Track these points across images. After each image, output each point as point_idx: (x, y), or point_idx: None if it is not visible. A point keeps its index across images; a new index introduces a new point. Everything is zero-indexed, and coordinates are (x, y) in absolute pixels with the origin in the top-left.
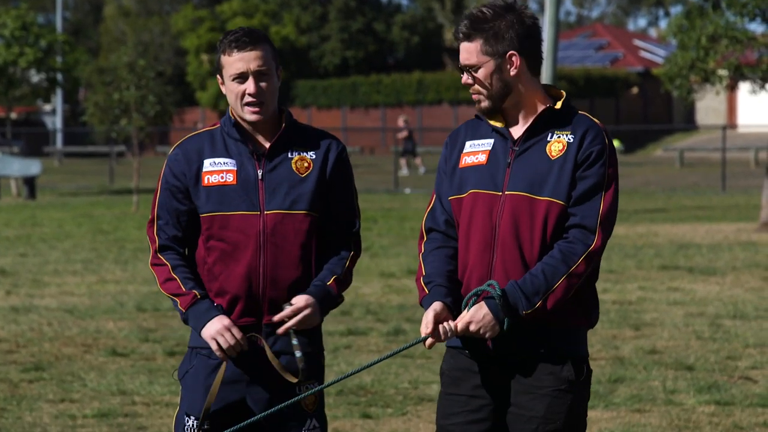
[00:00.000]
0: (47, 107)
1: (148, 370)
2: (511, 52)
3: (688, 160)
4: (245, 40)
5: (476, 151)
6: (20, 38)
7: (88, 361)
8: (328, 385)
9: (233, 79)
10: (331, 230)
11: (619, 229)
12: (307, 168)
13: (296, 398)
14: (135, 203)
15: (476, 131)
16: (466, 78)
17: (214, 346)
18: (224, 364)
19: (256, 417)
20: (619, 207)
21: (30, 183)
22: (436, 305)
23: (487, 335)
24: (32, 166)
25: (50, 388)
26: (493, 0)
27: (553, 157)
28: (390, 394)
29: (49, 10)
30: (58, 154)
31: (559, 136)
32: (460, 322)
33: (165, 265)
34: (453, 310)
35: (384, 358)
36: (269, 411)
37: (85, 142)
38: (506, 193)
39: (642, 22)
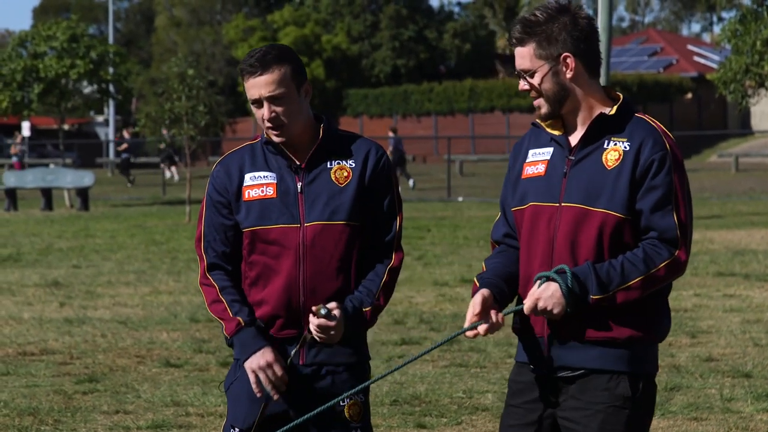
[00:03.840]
0: (100, 118)
1: (202, 381)
2: (565, 54)
3: (744, 166)
4: (256, 65)
5: (536, 161)
6: (71, 50)
7: (142, 372)
8: (359, 389)
9: (252, 104)
10: (371, 238)
11: None
12: (347, 177)
13: (331, 402)
14: (188, 213)
15: (538, 139)
16: (522, 84)
17: (252, 379)
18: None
19: (294, 422)
20: None
21: (83, 194)
22: (484, 291)
23: (555, 311)
24: (85, 178)
25: (104, 400)
26: (547, 2)
27: (609, 166)
28: (444, 404)
29: (101, 22)
30: (110, 165)
31: (615, 144)
32: (529, 299)
33: (213, 286)
34: (500, 303)
35: (429, 350)
36: (305, 416)
37: (138, 153)
38: (563, 204)
39: (696, 27)
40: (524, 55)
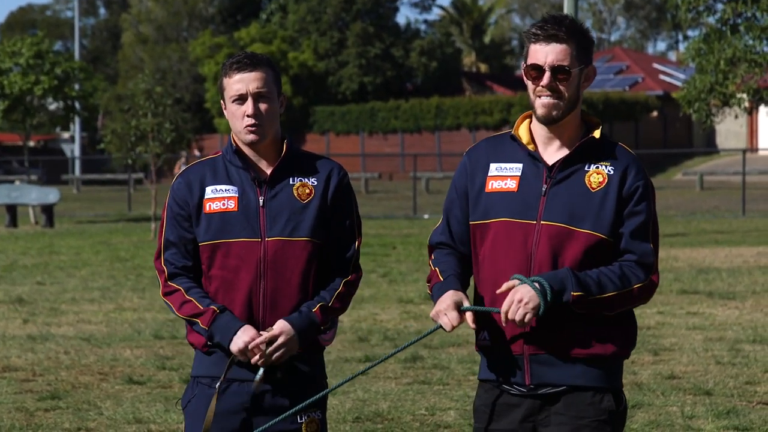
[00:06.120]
0: (65, 135)
1: (165, 398)
2: (591, 65)
3: (708, 184)
4: (246, 62)
5: (504, 176)
6: (36, 66)
7: (105, 389)
8: (318, 397)
9: (233, 101)
10: (330, 256)
11: None
12: (309, 194)
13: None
14: (153, 230)
15: (501, 153)
16: (548, 79)
17: (245, 359)
18: (215, 396)
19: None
20: None
21: (48, 211)
22: (453, 293)
23: (531, 305)
24: (50, 194)
25: (66, 417)
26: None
27: (593, 189)
28: (407, 421)
29: (68, 38)
30: (76, 182)
31: (597, 167)
32: (506, 299)
33: (178, 290)
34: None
35: (394, 353)
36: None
37: (104, 170)
38: (542, 222)
39: (661, 46)
40: (566, 54)
